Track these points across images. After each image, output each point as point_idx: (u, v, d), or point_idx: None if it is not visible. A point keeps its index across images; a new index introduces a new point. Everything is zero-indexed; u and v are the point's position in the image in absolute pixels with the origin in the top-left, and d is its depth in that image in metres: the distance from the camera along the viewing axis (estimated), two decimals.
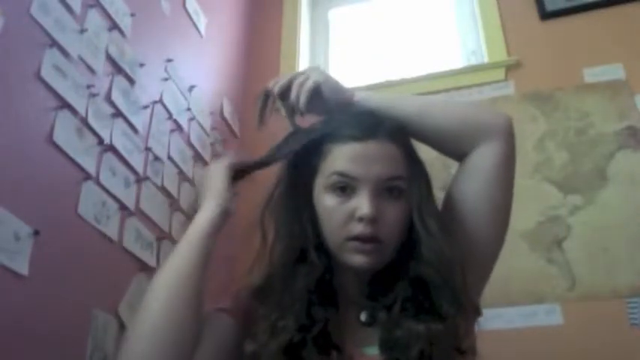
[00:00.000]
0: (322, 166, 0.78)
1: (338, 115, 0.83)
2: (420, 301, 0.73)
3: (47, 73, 1.18)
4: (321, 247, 0.78)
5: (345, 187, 0.75)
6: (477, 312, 0.80)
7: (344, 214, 0.75)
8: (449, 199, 0.84)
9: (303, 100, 0.82)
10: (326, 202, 0.77)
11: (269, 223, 0.81)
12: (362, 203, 0.73)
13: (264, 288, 0.79)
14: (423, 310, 0.72)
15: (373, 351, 0.74)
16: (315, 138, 0.80)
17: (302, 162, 0.81)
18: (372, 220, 0.73)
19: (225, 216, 0.78)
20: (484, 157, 0.81)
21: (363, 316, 0.77)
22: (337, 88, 0.86)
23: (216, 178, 0.81)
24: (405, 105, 0.84)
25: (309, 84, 0.82)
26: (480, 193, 0.81)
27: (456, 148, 0.83)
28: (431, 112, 0.84)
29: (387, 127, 0.78)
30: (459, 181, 0.83)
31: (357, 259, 0.74)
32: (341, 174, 0.76)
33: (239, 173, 0.84)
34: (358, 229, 0.73)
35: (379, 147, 0.76)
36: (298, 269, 0.77)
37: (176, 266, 0.72)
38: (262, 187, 0.84)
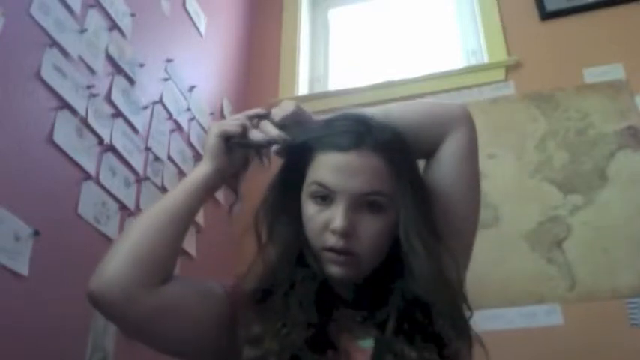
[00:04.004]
0: (308, 173, 0.78)
1: (330, 120, 0.82)
2: (417, 321, 0.73)
3: (47, 73, 1.18)
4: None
5: (325, 197, 0.75)
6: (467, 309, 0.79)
7: (320, 223, 0.75)
8: None
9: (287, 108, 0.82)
10: (306, 209, 0.77)
11: (263, 226, 0.81)
12: (336, 216, 0.73)
13: (261, 292, 0.78)
14: (418, 331, 0.72)
15: (369, 344, 0.74)
16: (303, 141, 0.79)
17: (294, 166, 0.81)
18: (345, 234, 0.73)
19: (218, 176, 0.81)
20: (452, 145, 0.83)
21: (359, 318, 0.77)
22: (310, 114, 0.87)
23: (210, 140, 0.82)
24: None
25: (287, 105, 0.83)
26: (451, 175, 0.83)
27: (424, 146, 0.84)
28: (391, 117, 0.82)
29: (374, 139, 0.76)
30: (431, 171, 0.84)
31: (333, 269, 0.75)
32: (320, 184, 0.75)
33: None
34: (332, 240, 0.74)
35: (362, 159, 0.74)
36: (297, 273, 0.77)
37: (162, 204, 0.78)
38: (257, 191, 0.84)
